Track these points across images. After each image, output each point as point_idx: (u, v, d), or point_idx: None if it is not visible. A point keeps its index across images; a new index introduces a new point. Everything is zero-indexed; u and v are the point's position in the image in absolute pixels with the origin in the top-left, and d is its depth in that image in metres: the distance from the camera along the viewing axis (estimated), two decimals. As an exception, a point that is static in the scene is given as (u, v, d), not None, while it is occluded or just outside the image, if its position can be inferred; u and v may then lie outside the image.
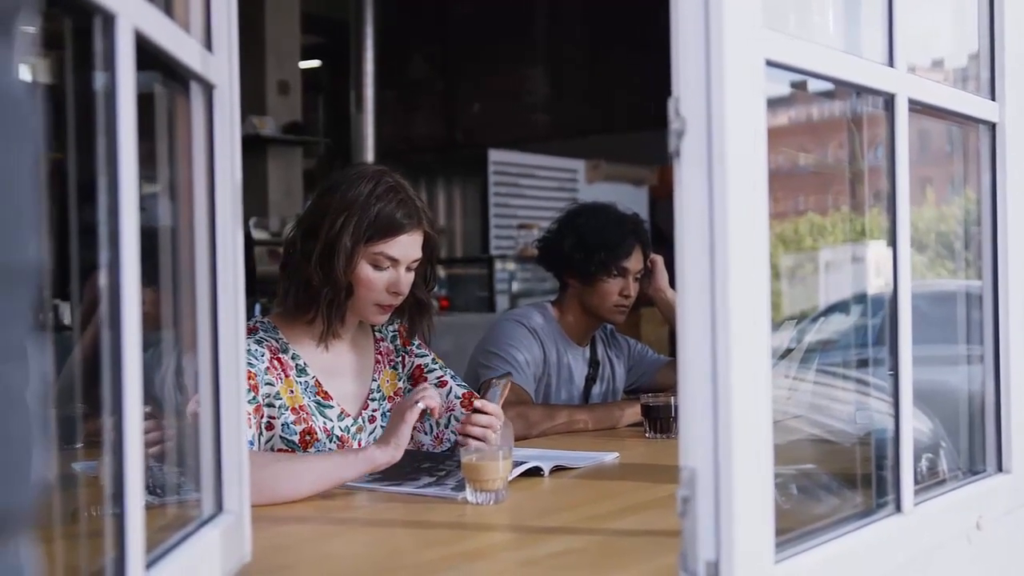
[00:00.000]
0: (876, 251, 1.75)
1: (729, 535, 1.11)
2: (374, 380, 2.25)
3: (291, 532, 1.64)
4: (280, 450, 2.06)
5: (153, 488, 1.25)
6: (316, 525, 1.69)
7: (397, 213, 2.08)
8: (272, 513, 1.71)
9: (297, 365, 2.13)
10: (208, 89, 1.28)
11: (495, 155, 7.58)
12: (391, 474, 1.98)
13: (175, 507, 1.34)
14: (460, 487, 1.84)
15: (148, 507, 1.01)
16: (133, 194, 0.96)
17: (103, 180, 0.95)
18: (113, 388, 0.95)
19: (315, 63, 9.91)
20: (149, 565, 1.02)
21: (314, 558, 1.49)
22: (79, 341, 2.13)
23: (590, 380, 3.00)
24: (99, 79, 0.96)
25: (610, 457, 2.25)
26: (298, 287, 2.11)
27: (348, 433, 2.16)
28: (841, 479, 1.64)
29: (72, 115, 1.05)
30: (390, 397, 2.26)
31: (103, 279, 0.95)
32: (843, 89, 1.53)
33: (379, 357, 2.28)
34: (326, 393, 2.15)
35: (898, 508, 1.44)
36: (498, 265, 6.96)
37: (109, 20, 0.94)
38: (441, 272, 7.25)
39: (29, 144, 0.54)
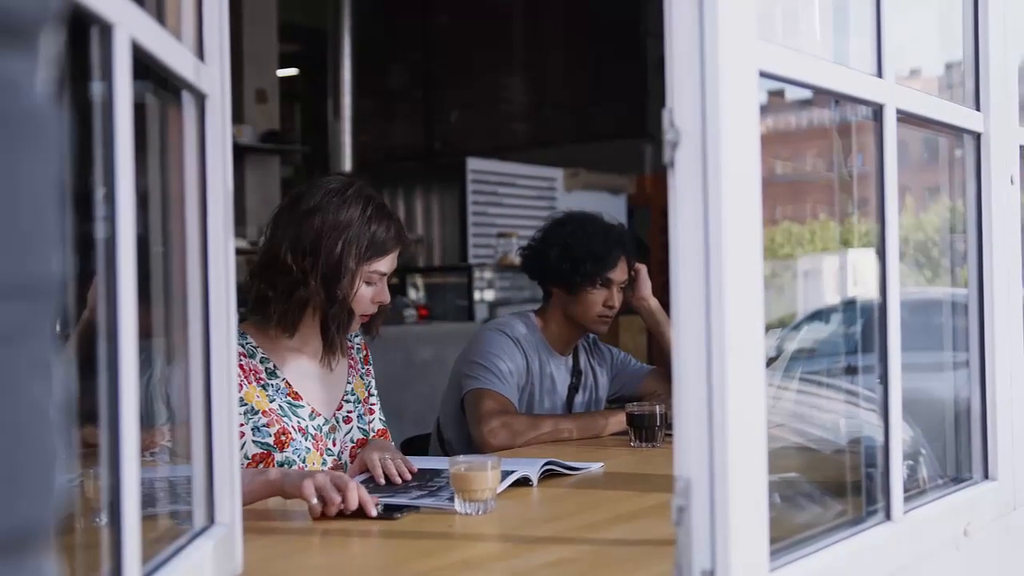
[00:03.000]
0: (856, 259, 1.76)
1: (725, 544, 1.11)
2: (348, 383, 2.30)
3: (282, 544, 1.63)
4: (254, 455, 2.07)
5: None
6: (306, 537, 1.69)
7: (390, 233, 2.18)
8: (263, 525, 1.70)
9: (267, 368, 2.16)
10: (200, 99, 1.28)
11: (473, 163, 7.56)
12: (382, 488, 1.97)
13: (166, 519, 1.33)
14: (453, 498, 1.83)
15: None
16: (129, 205, 0.96)
17: (100, 190, 0.94)
18: (110, 401, 0.94)
19: (292, 71, 9.89)
20: (144, 578, 1.02)
21: (304, 570, 1.49)
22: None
23: (573, 389, 3.00)
24: (95, 88, 0.95)
25: (595, 467, 2.25)
26: (294, 306, 2.13)
27: (321, 432, 2.19)
28: (829, 488, 1.64)
29: (66, 124, 1.04)
30: (364, 401, 2.32)
31: (100, 289, 0.94)
32: (822, 98, 1.55)
33: (351, 363, 2.34)
34: (296, 394, 2.18)
35: (888, 516, 1.45)
36: (477, 274, 6.94)
37: (106, 30, 0.94)
38: (419, 281, 7.23)
39: (53, 159, 0.53)
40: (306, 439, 2.14)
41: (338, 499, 1.72)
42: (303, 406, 2.17)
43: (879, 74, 1.46)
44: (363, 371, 2.37)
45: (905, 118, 1.51)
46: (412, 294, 7.03)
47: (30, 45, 0.53)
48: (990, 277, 1.73)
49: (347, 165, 8.00)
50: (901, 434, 1.48)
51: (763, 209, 1.19)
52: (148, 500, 1.29)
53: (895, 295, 1.46)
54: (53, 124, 0.54)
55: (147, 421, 1.47)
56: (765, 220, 1.19)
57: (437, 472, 2.07)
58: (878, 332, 1.47)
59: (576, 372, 3.01)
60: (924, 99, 1.62)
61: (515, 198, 7.67)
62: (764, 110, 1.29)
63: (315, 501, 1.72)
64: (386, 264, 2.19)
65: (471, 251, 7.42)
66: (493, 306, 6.90)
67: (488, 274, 7.02)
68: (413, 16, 9.74)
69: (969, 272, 1.75)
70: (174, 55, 1.15)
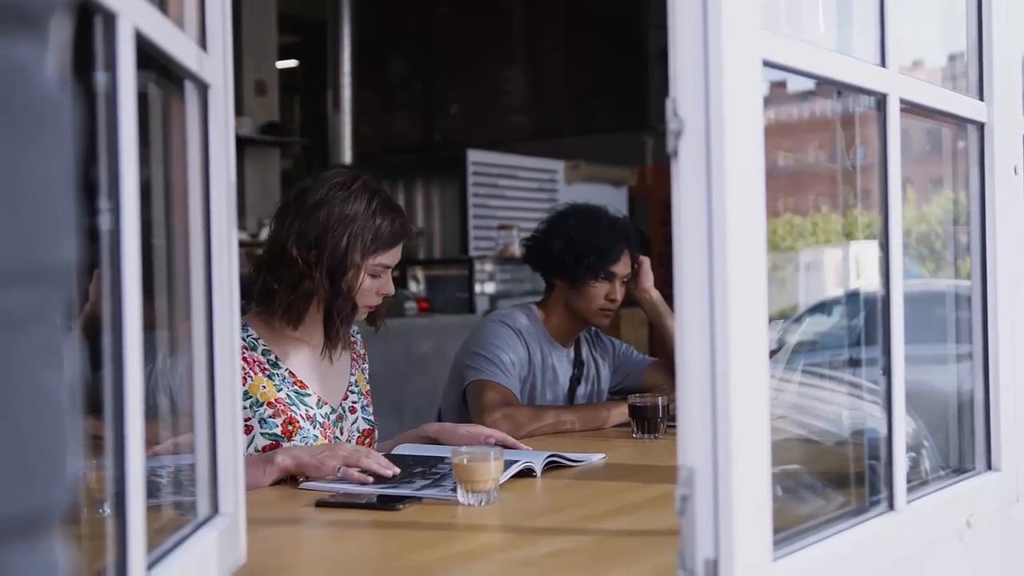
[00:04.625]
0: (858, 251, 1.76)
1: (728, 533, 1.11)
2: (352, 374, 2.32)
3: (285, 534, 1.63)
4: (264, 448, 2.08)
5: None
6: (310, 528, 1.69)
7: (395, 226, 2.19)
8: (267, 515, 1.70)
9: (269, 360, 2.17)
10: (203, 89, 1.27)
11: (474, 156, 7.56)
12: (386, 479, 1.97)
13: (170, 509, 1.33)
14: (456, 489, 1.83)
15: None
16: (134, 196, 0.95)
17: (104, 181, 0.94)
18: (115, 392, 0.94)
19: (291, 63, 9.87)
20: (148, 567, 1.01)
21: (308, 560, 1.49)
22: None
23: (575, 381, 3.00)
24: (99, 78, 0.95)
25: (597, 458, 2.25)
26: (299, 298, 2.14)
27: (329, 420, 2.21)
28: (832, 479, 1.64)
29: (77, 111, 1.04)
30: (366, 393, 2.35)
31: (104, 281, 0.94)
32: (824, 89, 1.54)
33: (354, 356, 2.35)
34: (302, 382, 2.19)
35: (891, 506, 1.45)
36: (478, 266, 6.94)
37: (110, 19, 0.93)
38: (420, 273, 7.24)
39: (65, 146, 0.53)
40: (314, 427, 2.16)
41: (370, 464, 1.91)
42: (310, 394, 2.19)
43: (882, 63, 1.45)
44: (363, 367, 2.39)
45: (909, 108, 1.51)
46: (412, 287, 7.03)
47: (40, 31, 0.53)
48: (993, 268, 1.73)
49: (347, 157, 7.99)
50: (904, 425, 1.48)
51: (767, 201, 1.19)
52: (151, 490, 1.29)
53: (898, 286, 1.46)
54: (64, 111, 0.54)
55: (149, 413, 1.47)
56: (767, 212, 1.19)
57: (440, 459, 2.07)
58: (881, 322, 1.47)
59: (578, 363, 3.01)
60: (928, 89, 1.62)
61: (516, 190, 7.67)
62: (766, 101, 1.29)
63: (342, 473, 1.90)
64: (391, 257, 2.20)
65: (472, 243, 7.42)
66: (494, 298, 6.91)
67: (489, 266, 7.02)
68: (413, 8, 9.73)
69: (972, 262, 1.75)
70: (177, 45, 1.14)
